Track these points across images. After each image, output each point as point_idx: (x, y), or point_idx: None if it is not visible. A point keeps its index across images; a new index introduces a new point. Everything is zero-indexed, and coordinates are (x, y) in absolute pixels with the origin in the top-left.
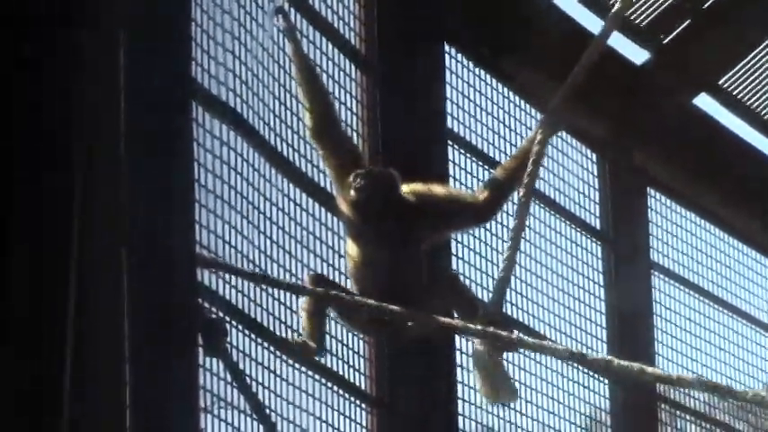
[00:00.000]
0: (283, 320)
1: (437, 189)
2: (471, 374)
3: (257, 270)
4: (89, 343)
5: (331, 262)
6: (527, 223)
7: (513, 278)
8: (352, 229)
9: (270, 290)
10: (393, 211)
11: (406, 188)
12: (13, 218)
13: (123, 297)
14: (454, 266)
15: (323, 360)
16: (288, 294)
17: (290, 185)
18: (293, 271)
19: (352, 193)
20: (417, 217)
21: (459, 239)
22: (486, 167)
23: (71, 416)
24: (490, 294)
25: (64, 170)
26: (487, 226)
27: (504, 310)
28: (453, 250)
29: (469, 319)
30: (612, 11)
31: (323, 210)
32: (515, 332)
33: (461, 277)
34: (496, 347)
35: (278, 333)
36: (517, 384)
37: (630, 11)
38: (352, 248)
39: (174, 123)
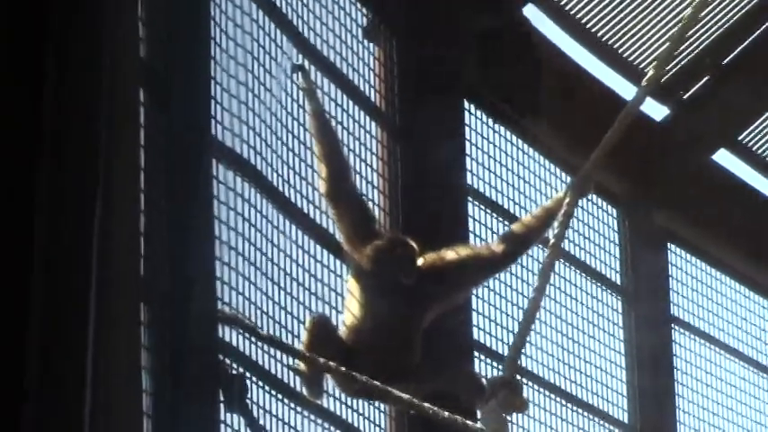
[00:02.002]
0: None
1: (450, 255)
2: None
3: (276, 324)
4: (108, 399)
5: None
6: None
7: (533, 333)
8: (359, 293)
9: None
10: (403, 286)
11: (420, 260)
12: (32, 274)
13: (140, 352)
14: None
15: (343, 415)
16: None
17: (306, 238)
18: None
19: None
20: (426, 289)
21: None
22: (506, 223)
23: None
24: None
25: (83, 224)
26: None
27: (521, 366)
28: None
29: (474, 401)
30: (647, 77)
31: (338, 261)
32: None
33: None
34: (506, 409)
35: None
36: None
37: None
38: (354, 308)
39: (193, 179)
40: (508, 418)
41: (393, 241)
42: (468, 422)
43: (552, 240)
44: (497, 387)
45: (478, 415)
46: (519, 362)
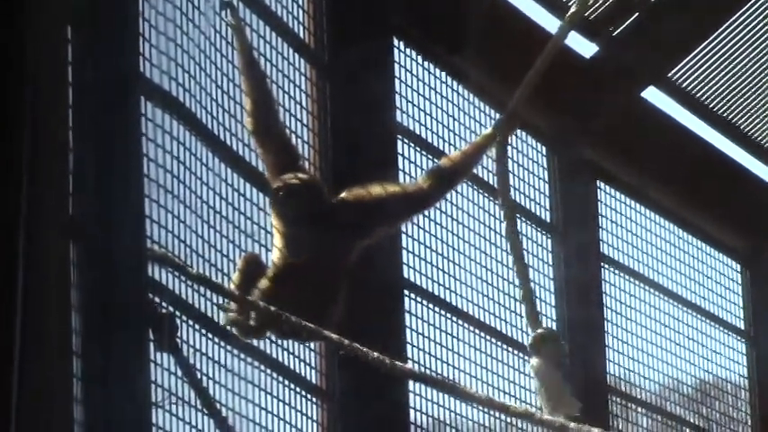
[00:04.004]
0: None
1: (376, 189)
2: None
3: (206, 263)
4: (36, 338)
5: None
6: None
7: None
8: (278, 232)
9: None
10: (318, 219)
11: (344, 194)
12: None
13: (70, 291)
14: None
15: (273, 354)
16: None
17: (236, 176)
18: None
19: (276, 203)
20: (349, 223)
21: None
22: (436, 161)
23: (18, 411)
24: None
25: (10, 163)
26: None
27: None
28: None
29: None
30: (570, 12)
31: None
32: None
33: None
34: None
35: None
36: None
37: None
38: (278, 245)
39: (121, 117)
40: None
41: (290, 176)
42: (396, 362)
43: (500, 187)
44: (539, 342)
45: (531, 374)
46: (537, 313)
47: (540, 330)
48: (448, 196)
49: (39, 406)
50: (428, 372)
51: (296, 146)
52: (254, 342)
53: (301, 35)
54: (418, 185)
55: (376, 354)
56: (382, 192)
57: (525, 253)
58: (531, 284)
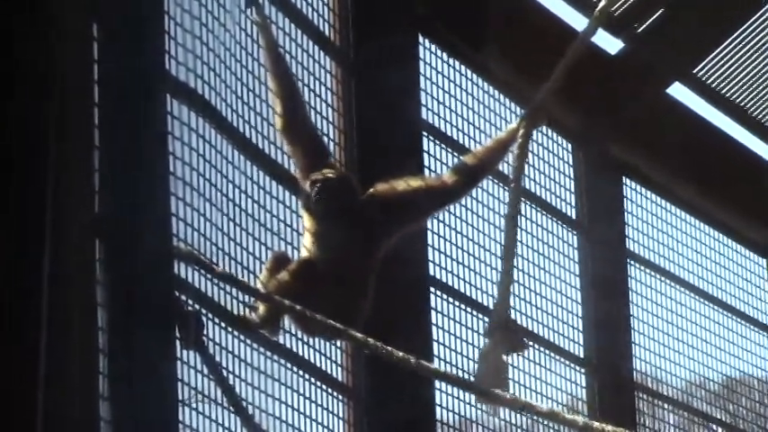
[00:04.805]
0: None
1: (401, 185)
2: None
3: (232, 261)
4: (62, 336)
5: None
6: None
7: (488, 268)
8: (308, 230)
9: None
10: (350, 216)
11: (371, 190)
12: None
13: (96, 289)
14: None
15: (300, 351)
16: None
17: (262, 174)
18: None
19: (310, 200)
20: (377, 219)
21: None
22: (460, 158)
23: (45, 409)
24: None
25: (37, 163)
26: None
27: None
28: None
29: None
30: (598, 8)
31: (293, 197)
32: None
33: None
34: (506, 347)
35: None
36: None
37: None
38: (307, 242)
39: (147, 115)
40: (508, 359)
41: (326, 171)
42: (422, 361)
43: (513, 175)
44: (494, 329)
45: (476, 358)
46: (509, 302)
47: (502, 317)
48: (473, 192)
49: (65, 404)
50: (454, 369)
51: (325, 143)
52: (280, 339)
53: (327, 32)
54: (443, 181)
55: (401, 353)
56: (408, 188)
57: (551, 249)
58: (514, 271)
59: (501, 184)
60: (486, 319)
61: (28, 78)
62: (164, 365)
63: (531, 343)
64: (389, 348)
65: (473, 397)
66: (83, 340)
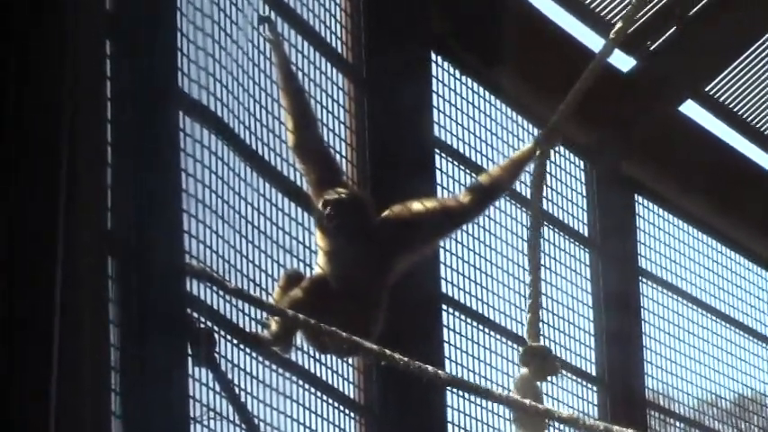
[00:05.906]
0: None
1: (416, 206)
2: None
3: (244, 278)
4: (75, 352)
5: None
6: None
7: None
8: (322, 248)
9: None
10: (364, 235)
11: (387, 212)
12: None
13: (108, 306)
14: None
15: (311, 368)
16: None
17: (274, 191)
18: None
19: (323, 219)
20: (391, 239)
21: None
22: (474, 176)
23: (57, 424)
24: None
25: (49, 178)
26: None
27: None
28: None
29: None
30: (614, 30)
31: (306, 214)
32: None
33: None
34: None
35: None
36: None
37: (617, 17)
38: (321, 261)
39: (159, 131)
40: (541, 385)
41: (340, 190)
42: (438, 372)
43: (533, 197)
44: (530, 356)
45: (511, 385)
46: (539, 328)
47: (534, 344)
48: (486, 211)
49: (77, 419)
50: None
51: (337, 160)
52: (293, 356)
53: (339, 49)
54: (458, 201)
55: (417, 363)
56: (423, 208)
57: (563, 266)
58: (543, 297)
59: (513, 202)
60: (516, 347)
61: (41, 94)
62: (176, 382)
63: (561, 367)
64: (405, 359)
65: (486, 412)
66: (94, 357)
